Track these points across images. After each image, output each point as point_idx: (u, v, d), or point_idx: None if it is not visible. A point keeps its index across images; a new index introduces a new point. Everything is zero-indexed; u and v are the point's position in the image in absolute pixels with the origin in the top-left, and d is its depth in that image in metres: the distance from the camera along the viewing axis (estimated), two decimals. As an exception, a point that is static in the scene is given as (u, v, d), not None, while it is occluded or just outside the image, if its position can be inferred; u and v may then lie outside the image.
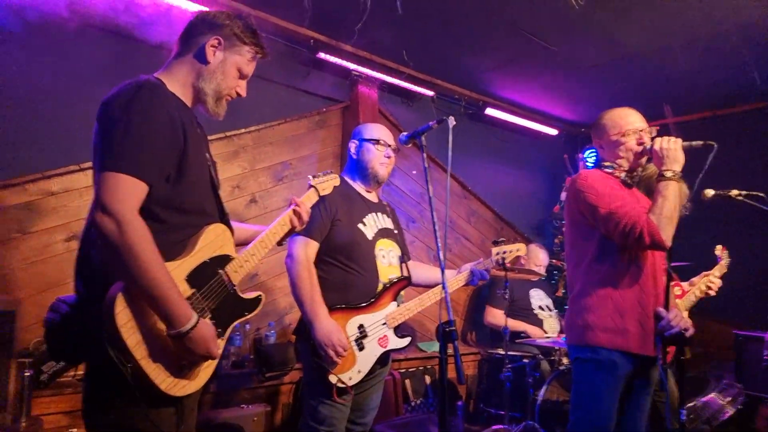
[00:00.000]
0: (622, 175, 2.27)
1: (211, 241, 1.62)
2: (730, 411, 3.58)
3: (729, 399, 3.64)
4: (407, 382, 4.02)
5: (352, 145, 2.56)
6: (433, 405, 4.02)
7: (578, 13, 2.81)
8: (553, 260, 5.06)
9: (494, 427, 3.54)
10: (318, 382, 2.22)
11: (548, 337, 4.07)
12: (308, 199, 2.05)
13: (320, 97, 4.14)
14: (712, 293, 3.08)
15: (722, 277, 3.08)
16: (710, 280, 3.06)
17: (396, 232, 2.61)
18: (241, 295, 1.72)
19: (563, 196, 5.47)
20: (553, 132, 5.69)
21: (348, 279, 2.35)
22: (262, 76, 3.21)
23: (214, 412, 3.07)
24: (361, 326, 2.31)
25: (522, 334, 4.13)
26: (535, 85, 4.85)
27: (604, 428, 2.09)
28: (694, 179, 2.13)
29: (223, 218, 1.71)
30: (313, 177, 2.15)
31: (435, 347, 4.30)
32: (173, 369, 1.47)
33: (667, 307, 2.10)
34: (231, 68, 1.68)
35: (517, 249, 2.77)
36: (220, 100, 1.69)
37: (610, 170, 2.28)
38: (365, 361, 2.29)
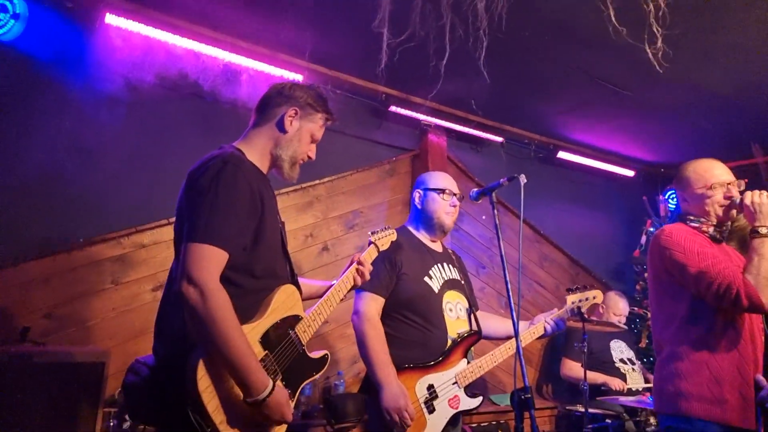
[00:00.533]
0: (710, 230, 2.13)
1: (283, 302, 1.69)
2: None
3: None
4: (479, 437, 3.86)
5: (417, 195, 2.54)
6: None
7: (655, 58, 2.75)
8: (635, 308, 4.75)
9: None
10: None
11: (632, 391, 3.80)
12: (369, 256, 2.11)
13: (390, 147, 4.23)
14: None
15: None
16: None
17: (463, 282, 2.55)
18: (310, 355, 1.77)
19: (643, 239, 5.19)
20: (630, 173, 5.46)
21: (416, 335, 2.31)
22: (336, 130, 3.33)
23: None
24: (430, 386, 2.25)
25: (602, 387, 3.89)
26: (609, 128, 4.69)
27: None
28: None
29: (293, 278, 1.79)
30: (373, 233, 2.20)
31: (508, 400, 4.13)
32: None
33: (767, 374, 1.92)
34: (306, 135, 1.80)
35: (594, 296, 2.67)
36: (294, 165, 1.80)
37: (696, 225, 2.14)
38: (435, 424, 2.22)
